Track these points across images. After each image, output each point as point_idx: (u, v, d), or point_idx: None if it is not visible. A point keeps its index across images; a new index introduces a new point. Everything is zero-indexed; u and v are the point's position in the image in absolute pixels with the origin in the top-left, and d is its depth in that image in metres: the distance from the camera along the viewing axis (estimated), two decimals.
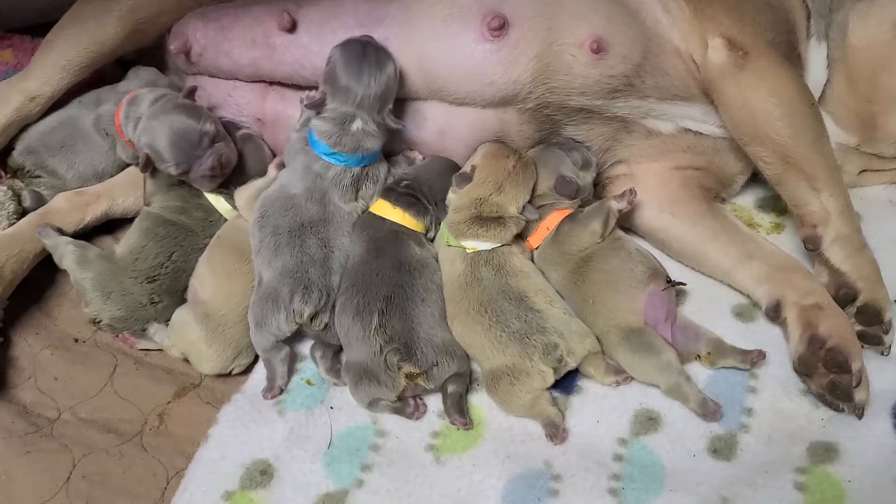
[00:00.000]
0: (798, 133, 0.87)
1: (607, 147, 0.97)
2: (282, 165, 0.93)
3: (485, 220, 0.84)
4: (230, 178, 0.92)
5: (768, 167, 0.90)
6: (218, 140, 0.89)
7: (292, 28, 0.93)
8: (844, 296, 0.84)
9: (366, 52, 0.86)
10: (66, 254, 0.86)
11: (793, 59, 0.93)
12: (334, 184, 0.86)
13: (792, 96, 0.88)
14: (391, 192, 0.89)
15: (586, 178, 0.92)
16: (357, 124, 0.86)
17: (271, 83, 0.97)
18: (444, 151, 0.95)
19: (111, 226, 0.98)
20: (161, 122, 0.87)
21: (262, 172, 0.94)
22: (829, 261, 0.86)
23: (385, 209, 0.88)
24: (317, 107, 0.86)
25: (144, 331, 0.86)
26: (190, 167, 0.87)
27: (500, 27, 0.87)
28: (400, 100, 0.92)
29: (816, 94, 1.00)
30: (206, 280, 0.86)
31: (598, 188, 1.00)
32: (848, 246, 0.86)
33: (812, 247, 0.87)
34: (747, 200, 1.03)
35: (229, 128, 0.95)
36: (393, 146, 0.93)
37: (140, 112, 0.90)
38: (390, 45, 0.90)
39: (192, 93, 0.93)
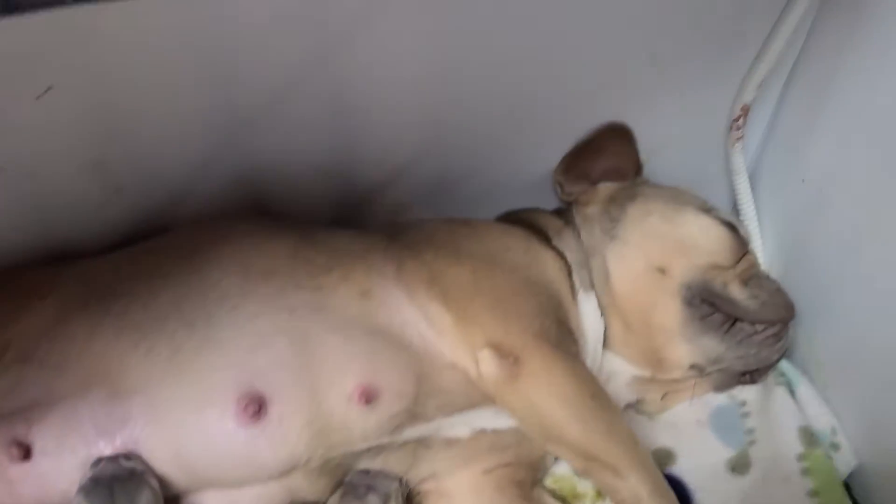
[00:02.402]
0: (589, 429, 0.85)
1: (408, 467, 0.91)
2: None
3: None
4: None
5: (571, 462, 0.87)
6: None
7: (27, 455, 0.81)
8: None
9: (114, 494, 0.75)
10: None
11: (566, 339, 0.91)
12: None
13: (573, 392, 0.86)
14: None
15: None
16: None
17: None
18: None
19: None
20: None
21: None
22: None
23: None
24: None
25: None
26: None
27: (257, 410, 0.80)
28: (174, 496, 0.82)
29: (599, 344, 1.00)
30: None
31: None
32: None
33: None
34: (566, 468, 1.00)
35: None
36: None
37: None
38: (142, 447, 0.80)
39: None
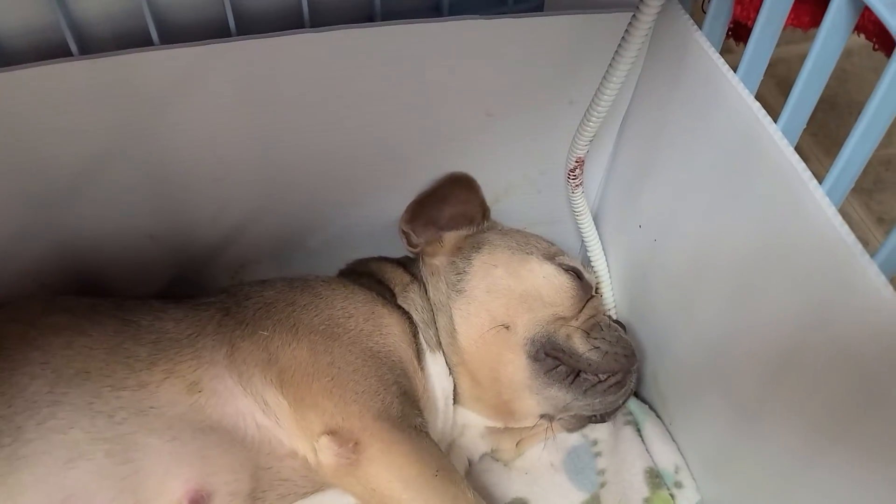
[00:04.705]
0: None
1: None
2: None
3: None
4: None
5: None
6: None
7: None
8: None
9: None
10: None
11: (409, 411, 0.89)
12: None
13: (415, 473, 0.83)
14: None
15: None
16: None
17: None
18: None
19: None
20: None
21: None
22: None
23: None
24: None
25: None
26: None
27: None
28: None
29: (449, 401, 0.99)
30: None
31: None
32: None
33: None
34: None
35: None
36: None
37: None
38: None
39: None
